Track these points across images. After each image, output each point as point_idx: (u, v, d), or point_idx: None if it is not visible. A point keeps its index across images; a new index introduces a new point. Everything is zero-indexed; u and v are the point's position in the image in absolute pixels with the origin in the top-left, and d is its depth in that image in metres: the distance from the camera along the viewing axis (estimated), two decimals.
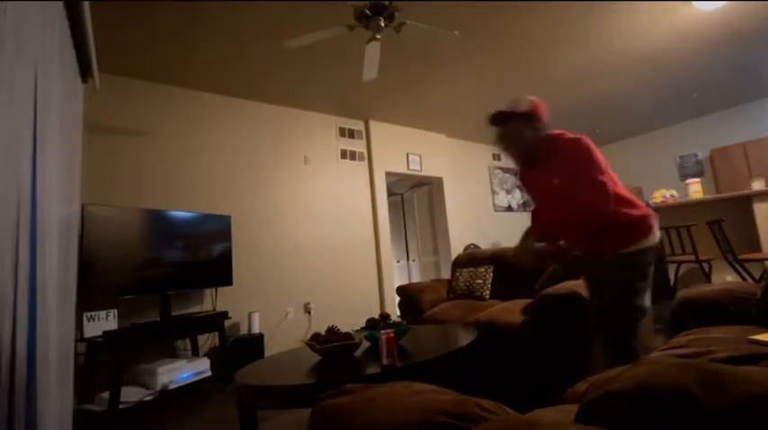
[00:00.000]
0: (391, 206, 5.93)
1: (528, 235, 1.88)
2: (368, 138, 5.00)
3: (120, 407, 2.49)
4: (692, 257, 3.34)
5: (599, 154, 1.68)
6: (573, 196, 1.65)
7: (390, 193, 6.12)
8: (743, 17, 3.40)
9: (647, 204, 1.80)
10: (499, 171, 6.58)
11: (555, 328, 2.04)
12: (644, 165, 6.75)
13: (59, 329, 1.65)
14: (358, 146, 4.92)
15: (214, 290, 3.48)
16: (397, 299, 3.43)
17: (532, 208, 2.00)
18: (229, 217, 3.56)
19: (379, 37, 2.60)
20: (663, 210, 4.40)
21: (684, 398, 0.44)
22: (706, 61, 4.20)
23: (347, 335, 1.82)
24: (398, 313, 3.44)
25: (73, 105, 1.93)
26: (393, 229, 5.73)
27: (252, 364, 1.90)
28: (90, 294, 2.66)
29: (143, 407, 2.60)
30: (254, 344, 3.43)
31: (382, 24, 2.49)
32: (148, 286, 2.96)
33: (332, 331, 1.83)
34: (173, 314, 3.08)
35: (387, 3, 2.43)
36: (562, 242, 1.84)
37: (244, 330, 3.65)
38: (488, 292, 3.06)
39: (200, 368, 3.02)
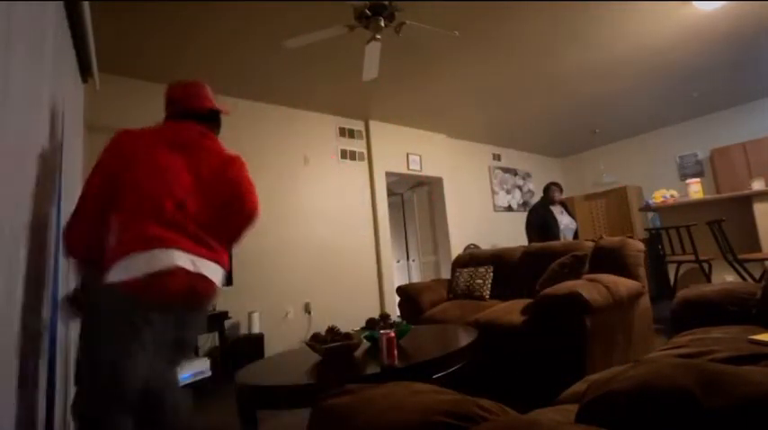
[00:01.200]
0: (391, 206, 5.92)
1: None
2: (368, 138, 4.99)
3: None
4: (692, 257, 3.34)
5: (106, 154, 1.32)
6: None
7: (390, 193, 6.12)
8: (743, 17, 3.40)
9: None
10: (499, 171, 6.58)
11: (555, 328, 2.03)
12: (644, 165, 6.75)
13: (63, 330, 1.65)
14: (358, 146, 4.92)
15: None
16: (397, 299, 3.43)
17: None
18: None
19: (379, 37, 2.61)
20: (663, 210, 4.41)
21: (684, 398, 0.44)
22: (706, 61, 4.20)
23: (347, 336, 1.82)
24: (398, 313, 3.43)
25: (73, 105, 1.93)
26: (393, 229, 5.73)
27: (252, 364, 1.90)
28: None
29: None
30: (254, 344, 3.43)
31: (382, 24, 2.49)
32: None
33: (332, 331, 1.83)
34: None
35: (387, 3, 2.43)
36: None
37: (244, 330, 3.65)
38: (488, 292, 3.05)
39: (200, 368, 3.02)
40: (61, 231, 1.37)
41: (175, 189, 1.32)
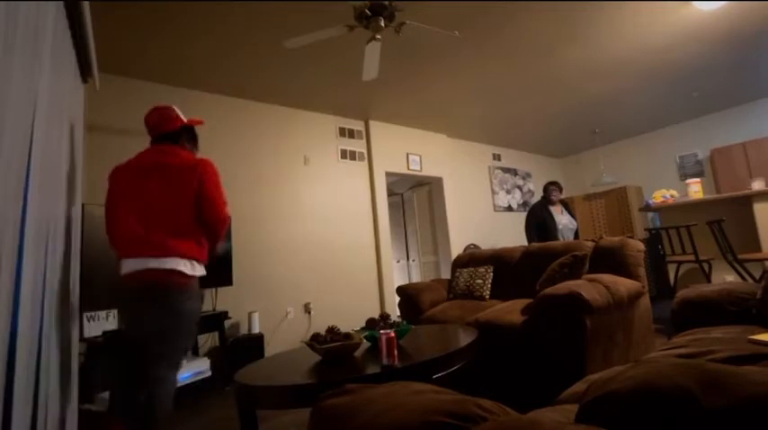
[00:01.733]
0: (391, 206, 5.92)
1: None
2: (368, 138, 4.99)
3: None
4: (692, 257, 3.34)
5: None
6: None
7: (390, 193, 6.12)
8: (743, 17, 3.40)
9: None
10: (499, 171, 6.58)
11: (555, 328, 2.03)
12: (644, 165, 6.75)
13: (62, 329, 1.65)
14: (358, 146, 4.92)
15: (214, 290, 3.48)
16: (397, 299, 3.43)
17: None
18: (229, 217, 3.55)
19: (379, 37, 2.60)
20: (663, 210, 4.41)
21: (684, 398, 0.44)
22: (706, 61, 4.20)
23: (347, 336, 1.82)
24: (398, 313, 3.43)
25: (73, 105, 1.93)
26: (393, 229, 5.73)
27: (252, 364, 1.90)
28: (90, 294, 2.66)
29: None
30: (254, 344, 3.43)
31: (382, 24, 2.49)
32: None
33: (332, 331, 1.83)
34: None
35: (387, 3, 2.43)
36: None
37: (244, 330, 3.65)
38: (488, 292, 3.06)
39: (200, 368, 3.02)
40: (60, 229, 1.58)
41: (143, 209, 1.72)
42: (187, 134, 1.92)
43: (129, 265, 1.66)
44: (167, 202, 1.72)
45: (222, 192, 1.85)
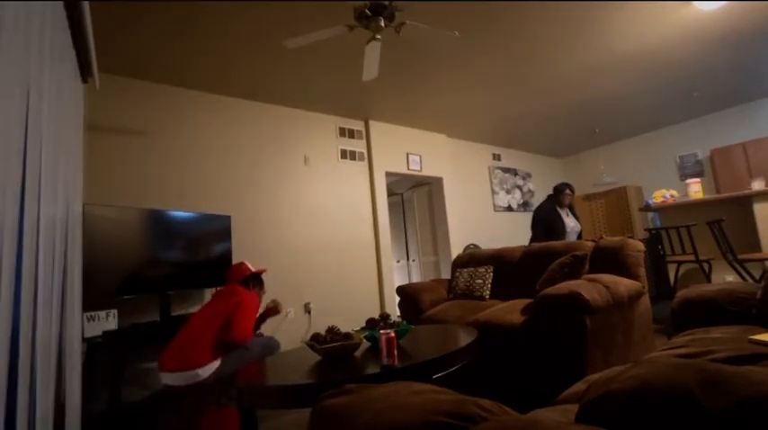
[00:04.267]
0: (391, 206, 5.92)
1: None
2: (368, 138, 4.99)
3: (120, 407, 2.49)
4: (692, 257, 3.34)
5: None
6: None
7: (390, 193, 6.12)
8: (743, 17, 3.40)
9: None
10: (499, 171, 6.58)
11: (555, 328, 2.03)
12: (644, 165, 6.75)
13: (63, 329, 1.65)
14: (358, 146, 4.92)
15: (214, 290, 3.48)
16: (397, 299, 3.43)
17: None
18: (229, 217, 3.56)
19: (379, 37, 2.60)
20: (663, 210, 4.41)
21: (684, 398, 0.44)
22: (706, 61, 4.20)
23: (347, 336, 1.82)
24: (398, 313, 3.43)
25: (73, 105, 1.93)
26: (393, 229, 5.73)
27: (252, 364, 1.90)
28: (90, 294, 2.66)
29: (143, 407, 2.60)
30: None
31: (382, 24, 2.48)
32: (148, 286, 2.96)
33: (332, 331, 1.83)
34: (173, 314, 3.08)
35: (387, 3, 2.43)
36: None
37: None
38: (488, 292, 3.06)
39: None
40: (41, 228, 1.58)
41: (187, 329, 2.34)
42: (254, 280, 2.67)
43: (169, 379, 2.15)
44: (206, 321, 2.32)
45: (248, 321, 2.36)
